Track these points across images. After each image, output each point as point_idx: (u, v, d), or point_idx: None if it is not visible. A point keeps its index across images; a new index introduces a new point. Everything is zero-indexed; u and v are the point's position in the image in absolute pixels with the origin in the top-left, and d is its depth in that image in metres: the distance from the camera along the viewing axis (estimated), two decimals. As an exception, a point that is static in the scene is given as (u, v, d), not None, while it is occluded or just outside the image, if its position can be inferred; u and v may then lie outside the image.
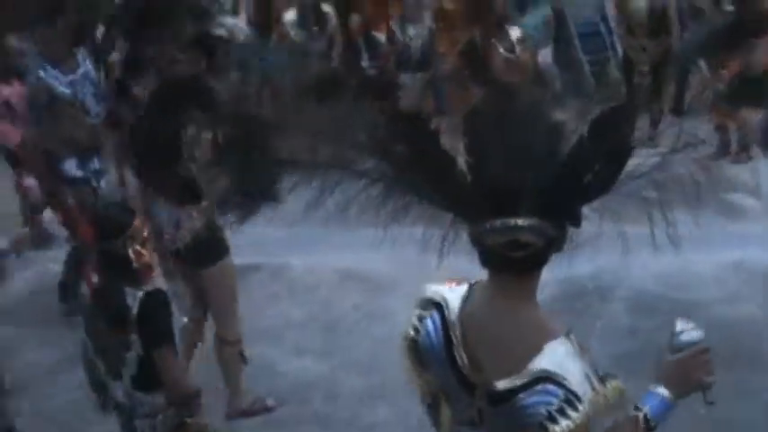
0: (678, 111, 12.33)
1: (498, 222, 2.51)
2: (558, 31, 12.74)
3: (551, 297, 7.25)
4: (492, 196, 2.51)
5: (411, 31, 11.90)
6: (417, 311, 2.77)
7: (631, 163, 2.59)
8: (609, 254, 7.80)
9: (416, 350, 2.75)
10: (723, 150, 10.41)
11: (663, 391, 2.79)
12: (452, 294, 2.73)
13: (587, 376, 2.57)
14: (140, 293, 4.39)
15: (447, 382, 2.70)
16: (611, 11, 13.18)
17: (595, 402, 2.55)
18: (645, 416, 2.73)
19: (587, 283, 7.47)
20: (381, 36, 12.27)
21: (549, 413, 2.50)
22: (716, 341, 6.76)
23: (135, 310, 4.36)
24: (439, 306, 2.72)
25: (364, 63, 12.10)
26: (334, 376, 6.51)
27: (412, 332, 2.76)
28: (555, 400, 2.50)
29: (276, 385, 6.45)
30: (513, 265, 2.58)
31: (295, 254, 8.01)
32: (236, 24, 11.38)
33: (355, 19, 12.36)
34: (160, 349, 4.38)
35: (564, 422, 2.50)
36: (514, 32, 8.79)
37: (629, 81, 11.26)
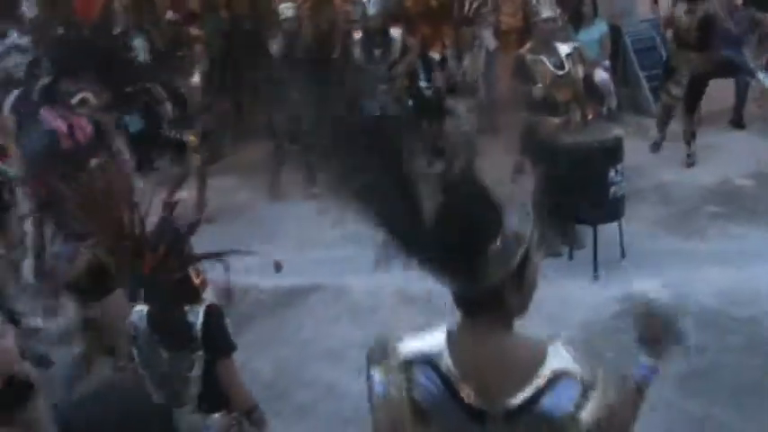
0: (738, 123, 12.24)
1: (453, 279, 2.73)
2: (615, 46, 12.72)
3: (612, 314, 7.21)
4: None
5: (466, 59, 11.97)
6: (401, 376, 2.80)
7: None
8: (671, 270, 7.81)
9: (417, 408, 2.78)
10: None
11: (645, 360, 3.10)
12: (430, 345, 2.82)
13: (590, 366, 2.74)
14: (201, 309, 4.43)
15: (454, 424, 2.76)
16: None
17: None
18: (637, 386, 3.05)
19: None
20: (437, 57, 12.37)
21: (575, 404, 2.66)
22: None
23: (199, 326, 4.41)
24: (425, 360, 2.79)
25: (422, 83, 12.16)
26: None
27: (405, 393, 2.80)
28: (575, 392, 2.67)
29: (338, 406, 6.47)
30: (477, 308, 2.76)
31: (356, 274, 8.04)
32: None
33: (412, 41, 12.43)
34: (226, 360, 4.43)
35: (589, 406, 2.66)
36: (564, 48, 8.78)
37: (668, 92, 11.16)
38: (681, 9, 10.91)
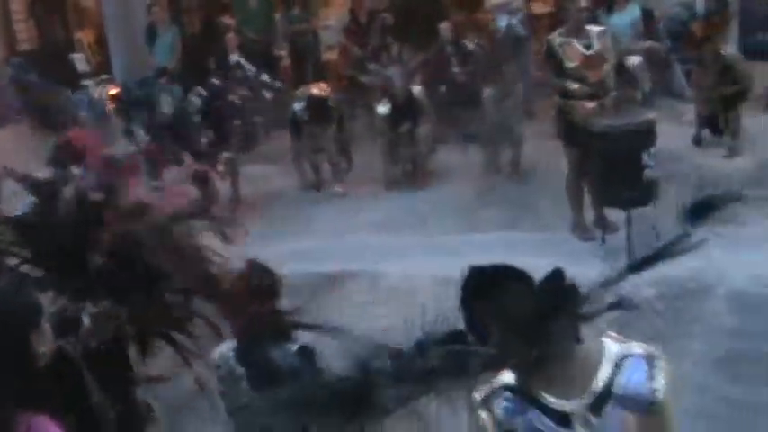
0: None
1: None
2: (648, 30, 12.67)
3: (648, 298, 7.20)
4: None
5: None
6: (480, 409, 3.10)
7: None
8: (706, 253, 7.77)
9: (503, 426, 3.07)
10: None
11: None
12: (505, 378, 3.08)
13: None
14: (294, 347, 4.45)
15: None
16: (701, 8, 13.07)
17: None
18: None
19: (686, 283, 7.39)
20: (470, 44, 12.38)
21: (649, 373, 2.95)
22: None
23: (287, 365, 4.38)
24: (501, 388, 3.08)
25: (455, 69, 12.18)
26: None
27: (489, 416, 3.09)
28: (643, 365, 2.96)
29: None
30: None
31: (392, 260, 8.08)
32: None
33: (444, 27, 12.45)
34: None
35: (661, 373, 2.96)
36: (595, 30, 8.82)
37: None
38: None
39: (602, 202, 8.60)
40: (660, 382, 2.94)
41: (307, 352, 4.47)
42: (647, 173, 8.06)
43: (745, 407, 5.93)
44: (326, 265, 8.49)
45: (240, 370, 4.49)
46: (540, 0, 14.85)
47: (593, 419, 2.96)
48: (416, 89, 11.23)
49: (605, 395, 2.95)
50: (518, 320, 2.87)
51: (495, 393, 3.09)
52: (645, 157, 8.04)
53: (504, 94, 10.99)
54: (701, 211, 3.31)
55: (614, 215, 8.58)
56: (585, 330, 3.06)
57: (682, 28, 13.11)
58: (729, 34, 12.18)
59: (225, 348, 4.57)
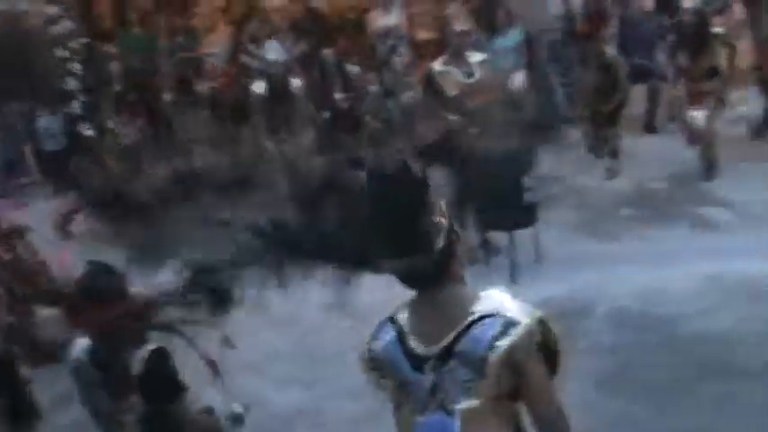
0: (651, 128, 12.45)
1: (397, 263, 3.03)
2: (531, 55, 12.85)
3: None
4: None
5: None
6: (369, 337, 3.23)
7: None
8: (587, 272, 7.92)
9: (375, 360, 3.19)
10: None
11: None
12: (397, 307, 3.20)
13: (524, 308, 3.05)
14: (144, 351, 4.29)
15: (402, 371, 3.09)
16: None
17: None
18: None
19: (567, 303, 7.51)
20: (354, 68, 12.41)
21: (494, 336, 2.95)
22: (695, 354, 6.86)
23: (139, 370, 4.26)
24: (389, 321, 3.17)
25: (338, 95, 12.19)
26: (320, 405, 6.54)
27: (368, 347, 3.21)
28: (496, 327, 2.96)
29: (262, 416, 6.46)
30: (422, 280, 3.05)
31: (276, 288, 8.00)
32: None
33: (328, 52, 12.48)
34: (181, 402, 4.34)
35: (508, 339, 2.94)
36: (476, 57, 8.96)
37: None
38: None
39: (486, 226, 8.71)
40: (502, 347, 2.93)
41: (161, 354, 4.35)
42: (528, 195, 8.20)
43: (622, 420, 6.03)
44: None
45: (96, 374, 4.34)
46: (423, 27, 14.95)
47: (442, 369, 3.01)
48: (295, 81, 11.22)
49: (454, 347, 2.99)
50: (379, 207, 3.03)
51: (380, 326, 3.19)
52: (525, 180, 8.18)
53: (390, 91, 11.08)
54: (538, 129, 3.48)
55: (497, 237, 8.72)
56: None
57: (563, 50, 13.34)
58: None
59: (79, 351, 4.39)
